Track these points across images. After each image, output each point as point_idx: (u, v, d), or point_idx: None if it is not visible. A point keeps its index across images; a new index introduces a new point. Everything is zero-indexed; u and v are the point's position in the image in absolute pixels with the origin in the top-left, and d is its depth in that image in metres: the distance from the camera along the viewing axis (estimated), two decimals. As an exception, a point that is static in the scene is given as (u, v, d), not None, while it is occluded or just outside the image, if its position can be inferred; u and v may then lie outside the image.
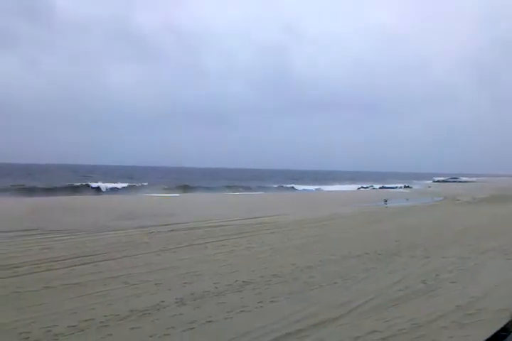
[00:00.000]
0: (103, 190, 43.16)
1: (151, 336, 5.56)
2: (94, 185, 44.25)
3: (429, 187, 69.95)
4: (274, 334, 5.67)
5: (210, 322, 6.11)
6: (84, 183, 45.00)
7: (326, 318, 6.28)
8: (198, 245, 12.24)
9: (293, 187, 60.53)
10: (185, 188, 48.75)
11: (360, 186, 67.33)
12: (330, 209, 25.48)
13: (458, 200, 35.04)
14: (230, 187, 52.49)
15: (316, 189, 59.07)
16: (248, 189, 52.38)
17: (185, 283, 8.15)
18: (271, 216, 20.42)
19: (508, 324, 1.82)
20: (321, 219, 19.25)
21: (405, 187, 67.38)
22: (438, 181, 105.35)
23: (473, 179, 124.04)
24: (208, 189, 50.43)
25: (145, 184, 49.88)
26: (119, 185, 45.94)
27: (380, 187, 65.99)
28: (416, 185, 75.18)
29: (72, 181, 48.16)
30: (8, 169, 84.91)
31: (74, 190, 40.71)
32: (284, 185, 61.55)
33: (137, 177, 72.50)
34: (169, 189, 46.03)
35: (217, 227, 15.99)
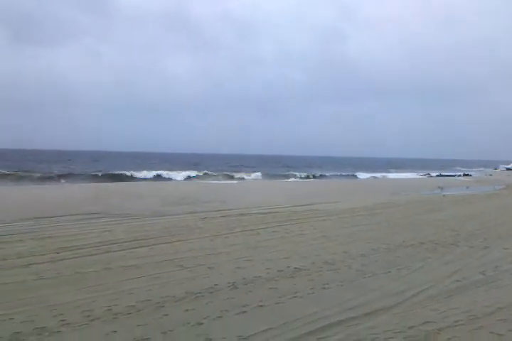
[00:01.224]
0: (166, 176, 44.17)
1: (205, 318, 5.72)
2: (154, 173, 45.35)
3: (490, 175, 66.74)
4: (327, 320, 5.67)
5: (261, 306, 6.20)
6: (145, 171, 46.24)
7: (379, 307, 6.21)
8: (249, 231, 12.37)
9: (355, 174, 59.67)
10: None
11: (422, 173, 65.60)
12: (385, 196, 24.95)
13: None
14: (286, 175, 52.61)
15: (376, 176, 57.73)
16: (306, 176, 52.39)
17: (237, 267, 8.29)
18: (325, 203, 20.28)
19: None
20: (375, 207, 18.89)
21: (465, 175, 64.69)
22: (509, 169, 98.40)
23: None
24: (273, 176, 50.55)
25: (207, 172, 50.39)
26: (183, 174, 46.49)
27: (438, 175, 63.75)
28: (478, 173, 72.04)
29: (131, 168, 49.76)
30: (77, 156, 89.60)
31: (129, 177, 41.99)
32: (345, 173, 60.68)
33: (202, 164, 74.12)
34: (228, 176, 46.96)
35: (268, 214, 16.08)
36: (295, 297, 6.61)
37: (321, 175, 55.24)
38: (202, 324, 5.54)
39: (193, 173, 47.69)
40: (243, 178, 46.38)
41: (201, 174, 48.27)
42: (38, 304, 6.16)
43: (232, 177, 46.19)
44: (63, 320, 5.57)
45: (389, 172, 68.21)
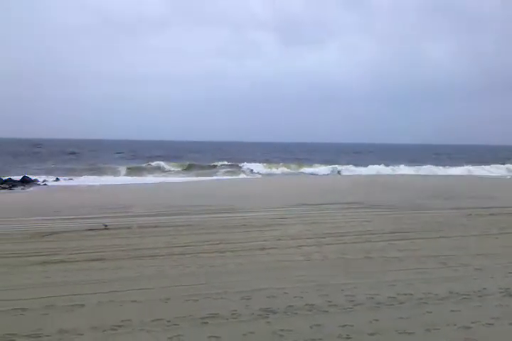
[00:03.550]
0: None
1: (473, 322, 5.33)
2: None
3: None
4: None
5: (543, 321, 5.40)
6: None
7: None
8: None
9: None
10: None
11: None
12: None
13: None
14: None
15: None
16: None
17: (510, 272, 7.41)
18: None
19: None
20: None
21: None
22: None
23: None
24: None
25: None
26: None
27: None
28: None
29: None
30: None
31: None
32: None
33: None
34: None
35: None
36: None
37: None
38: (469, 328, 5.18)
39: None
40: None
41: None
42: (308, 282, 6.82)
43: None
44: (330, 301, 6.02)
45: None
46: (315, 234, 10.45)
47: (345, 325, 5.24)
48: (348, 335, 4.99)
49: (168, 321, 5.38)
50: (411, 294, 6.31)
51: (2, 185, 25.65)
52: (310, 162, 48.30)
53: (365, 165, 42.85)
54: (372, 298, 6.17)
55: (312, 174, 38.47)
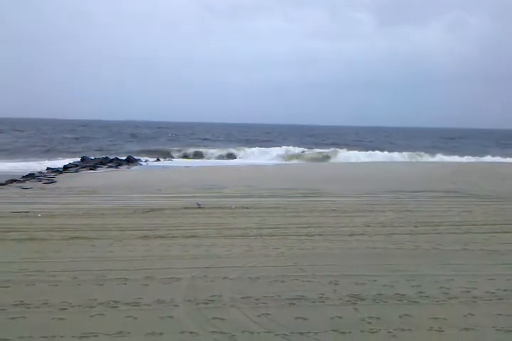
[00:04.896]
0: None
1: None
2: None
3: None
4: None
5: None
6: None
7: None
8: None
9: None
10: None
11: None
12: None
13: None
14: None
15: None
16: None
17: None
18: None
19: None
20: None
21: None
22: None
23: None
24: None
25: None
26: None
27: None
28: None
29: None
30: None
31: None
32: None
33: None
34: None
35: None
36: None
37: None
38: None
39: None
40: None
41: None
42: (398, 272, 6.64)
43: None
44: (421, 292, 5.82)
45: None
46: (408, 223, 10.09)
47: (437, 318, 5.05)
48: (440, 328, 4.81)
49: (257, 299, 5.56)
50: (511, 290, 5.91)
51: (110, 164, 27.83)
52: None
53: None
54: (469, 291, 5.87)
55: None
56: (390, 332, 4.71)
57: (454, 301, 5.57)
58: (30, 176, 19.90)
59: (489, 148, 46.42)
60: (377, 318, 5.04)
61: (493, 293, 5.84)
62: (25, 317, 5.03)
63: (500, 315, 5.16)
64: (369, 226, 9.74)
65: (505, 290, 5.92)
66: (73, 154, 34.40)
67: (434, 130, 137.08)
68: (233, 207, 12.05)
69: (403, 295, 5.74)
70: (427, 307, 5.38)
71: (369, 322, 4.95)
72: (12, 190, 15.95)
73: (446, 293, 5.80)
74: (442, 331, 4.76)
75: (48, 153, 36.65)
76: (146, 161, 31.55)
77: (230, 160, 35.60)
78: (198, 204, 12.11)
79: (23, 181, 18.49)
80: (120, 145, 46.69)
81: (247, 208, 11.91)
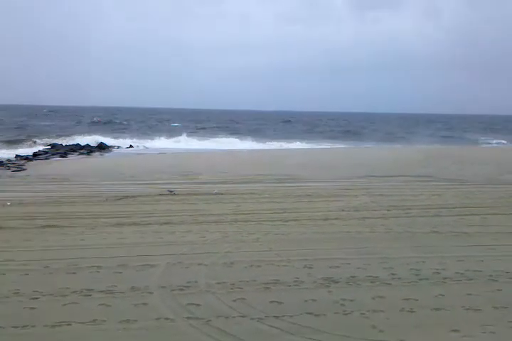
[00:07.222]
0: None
1: (547, 303, 5.08)
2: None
3: None
4: None
5: None
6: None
7: None
8: None
9: None
10: None
11: None
12: None
13: None
14: None
15: None
16: None
17: None
18: None
19: None
20: None
21: None
22: None
23: None
24: None
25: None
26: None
27: None
28: None
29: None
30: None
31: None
32: None
33: None
34: None
35: None
36: None
37: None
38: (543, 309, 4.94)
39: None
40: None
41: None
42: (371, 254, 6.76)
43: None
44: (393, 274, 5.95)
45: None
46: (380, 207, 10.26)
47: (409, 299, 5.17)
48: (411, 309, 4.93)
49: (232, 284, 5.58)
50: (480, 271, 6.08)
51: (81, 151, 27.29)
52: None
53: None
54: (439, 273, 6.02)
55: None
56: (362, 314, 4.81)
57: (425, 282, 5.70)
58: (-1, 164, 19.36)
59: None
60: (351, 300, 5.13)
61: (462, 273, 6.00)
62: (-5, 308, 4.93)
63: (470, 294, 5.31)
64: (343, 210, 9.86)
65: (475, 270, 6.09)
66: (44, 141, 33.46)
67: (404, 115, 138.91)
68: (215, 191, 12.02)
69: (376, 277, 5.85)
70: (398, 288, 5.50)
71: (342, 305, 5.03)
72: (-21, 178, 15.48)
73: (418, 275, 5.93)
74: (414, 311, 4.87)
75: (16, 140, 35.50)
76: (118, 148, 31.05)
77: (211, 144, 35.01)
78: (170, 191, 12.02)
79: (-9, 169, 17.97)
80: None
81: (221, 194, 11.88)
